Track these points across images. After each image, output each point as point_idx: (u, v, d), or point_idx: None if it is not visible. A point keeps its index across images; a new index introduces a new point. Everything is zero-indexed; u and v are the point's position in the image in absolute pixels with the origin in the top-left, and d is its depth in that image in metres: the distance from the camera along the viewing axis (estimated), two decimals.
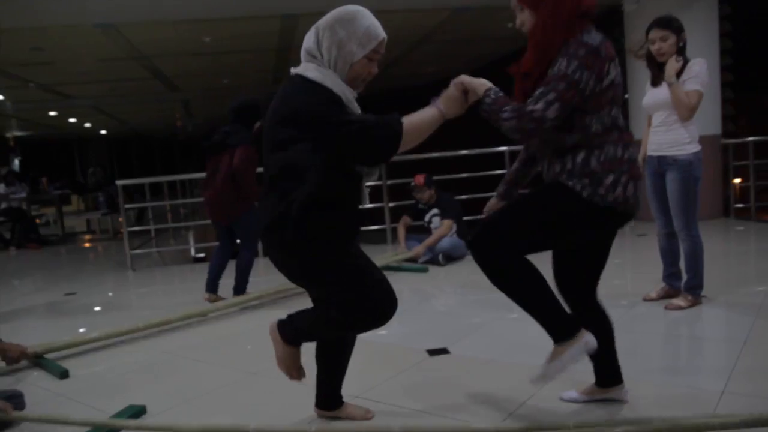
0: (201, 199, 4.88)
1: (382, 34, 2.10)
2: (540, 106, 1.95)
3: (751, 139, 7.53)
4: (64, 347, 3.70)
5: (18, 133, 21.79)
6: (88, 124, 20.22)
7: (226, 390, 2.98)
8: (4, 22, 7.08)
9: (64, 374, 3.35)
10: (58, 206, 10.89)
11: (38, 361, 3.53)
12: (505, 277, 2.08)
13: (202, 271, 4.84)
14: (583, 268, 2.32)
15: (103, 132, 23.88)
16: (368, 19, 2.08)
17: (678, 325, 3.56)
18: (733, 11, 7.97)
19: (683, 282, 3.84)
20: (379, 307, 2.11)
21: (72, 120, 18.41)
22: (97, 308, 5.20)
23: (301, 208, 1.99)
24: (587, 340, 2.07)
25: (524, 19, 2.11)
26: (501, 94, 2.07)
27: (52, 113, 16.09)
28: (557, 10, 2.01)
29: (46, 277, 6.97)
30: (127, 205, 7.19)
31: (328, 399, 2.49)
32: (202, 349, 3.72)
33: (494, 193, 2.58)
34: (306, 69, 2.07)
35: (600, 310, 2.36)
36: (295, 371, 2.27)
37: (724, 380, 2.62)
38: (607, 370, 2.42)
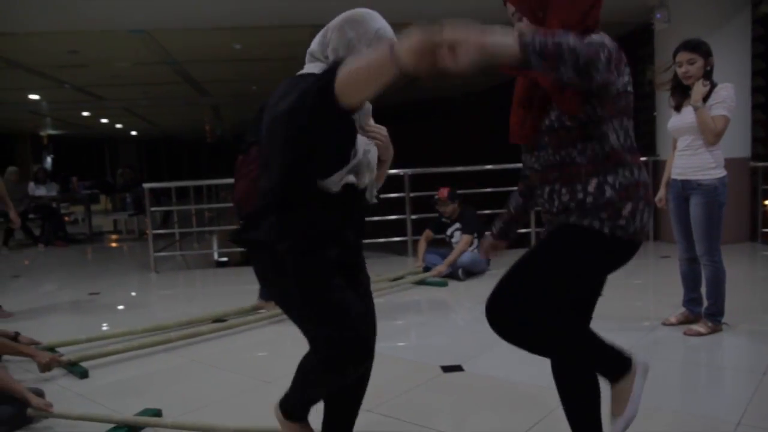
0: (226, 205, 4.94)
1: (392, 36, 1.91)
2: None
3: None
4: (94, 357, 3.72)
5: (51, 132, 22.25)
6: (119, 125, 20.60)
7: (241, 398, 3.02)
8: (43, 25, 7.29)
9: (83, 374, 3.43)
10: (87, 205, 11.09)
11: (67, 366, 3.59)
12: (547, 349, 1.89)
13: (225, 275, 4.91)
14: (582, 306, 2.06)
15: (134, 133, 24.29)
16: (379, 21, 1.94)
17: (696, 352, 3.51)
18: (765, 32, 7.87)
19: (704, 308, 3.80)
20: (358, 336, 1.86)
21: (104, 120, 18.77)
22: (120, 308, 5.29)
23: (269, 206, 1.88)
24: (643, 362, 1.89)
25: (524, 28, 1.80)
26: (537, 32, 1.63)
27: (85, 113, 16.42)
28: (567, 19, 1.74)
29: (71, 276, 7.10)
30: (152, 208, 7.30)
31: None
32: (221, 357, 3.77)
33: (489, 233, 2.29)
34: (312, 69, 1.89)
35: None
36: None
37: (741, 412, 2.58)
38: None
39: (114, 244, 10.37)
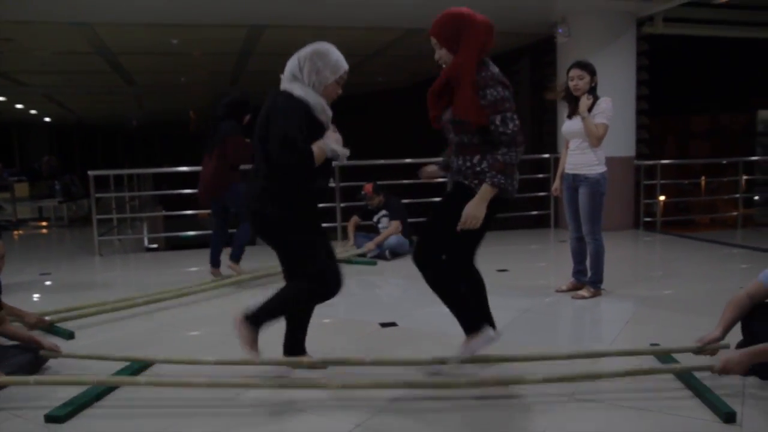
0: (154, 192, 5.52)
1: (346, 66, 2.91)
2: (510, 125, 2.71)
3: (661, 161, 8.64)
4: (72, 317, 4.24)
5: None
6: (33, 111, 20.09)
7: (211, 348, 3.65)
8: None
9: (70, 336, 3.94)
10: (13, 193, 11.12)
11: (50, 328, 4.06)
12: (439, 284, 2.94)
13: (162, 258, 5.40)
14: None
15: (47, 119, 23.62)
16: (337, 53, 2.88)
17: (581, 310, 4.44)
18: (649, 48, 9.05)
19: (588, 277, 4.72)
20: (333, 281, 2.87)
21: (19, 106, 18.31)
22: (78, 286, 5.72)
23: (272, 192, 2.80)
24: (490, 335, 2.96)
25: (442, 55, 2.87)
26: (493, 173, 2.75)
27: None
28: (470, 54, 2.76)
29: (19, 260, 7.34)
30: (97, 194, 7.64)
31: (294, 348, 3.13)
32: (185, 321, 4.36)
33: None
34: (293, 88, 2.81)
35: (477, 271, 3.14)
36: (255, 350, 2.85)
37: (610, 343, 3.51)
38: (485, 317, 3.14)
39: (45, 231, 10.50)
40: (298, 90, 2.80)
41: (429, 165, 3.33)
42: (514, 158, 2.73)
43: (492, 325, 3.11)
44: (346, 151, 2.92)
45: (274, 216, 2.80)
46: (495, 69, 2.79)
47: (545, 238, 8.09)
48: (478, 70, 2.75)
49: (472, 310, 2.99)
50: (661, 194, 8.87)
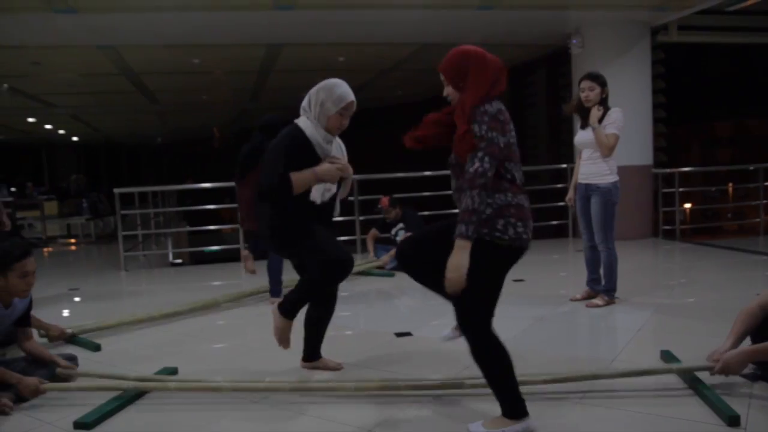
0: (178, 208, 5.56)
1: (351, 97, 3.06)
2: (476, 164, 2.40)
3: (679, 170, 8.64)
4: (95, 329, 4.41)
5: None
6: (62, 131, 20.61)
7: (236, 357, 3.77)
8: (12, 40, 7.75)
9: (96, 348, 4.09)
10: (42, 211, 11.43)
11: (73, 339, 4.24)
12: (481, 355, 2.52)
13: (186, 272, 5.55)
14: None
15: (75, 139, 24.17)
16: (342, 87, 3.06)
17: (594, 319, 4.48)
18: (665, 56, 9.08)
19: (602, 286, 4.77)
20: (341, 258, 3.04)
21: (48, 126, 18.81)
22: (104, 300, 5.90)
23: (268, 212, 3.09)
24: (530, 427, 2.49)
25: (450, 92, 2.61)
26: (459, 224, 2.40)
27: (30, 119, 16.52)
28: (475, 94, 2.48)
29: (48, 275, 7.57)
30: (123, 211, 7.86)
31: (311, 353, 3.44)
32: (210, 332, 4.50)
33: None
34: (299, 120, 3.11)
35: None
36: (285, 341, 3.15)
37: (617, 353, 3.56)
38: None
39: (74, 248, 10.77)
40: (302, 122, 3.09)
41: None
42: (471, 203, 2.38)
43: None
44: (332, 187, 3.18)
45: (276, 233, 3.12)
46: (495, 107, 2.48)
47: (563, 248, 8.12)
48: (477, 105, 2.48)
49: (516, 389, 2.53)
50: (687, 202, 8.84)
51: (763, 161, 9.15)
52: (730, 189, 12.55)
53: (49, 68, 9.72)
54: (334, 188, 3.20)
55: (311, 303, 3.35)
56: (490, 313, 2.52)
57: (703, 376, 2.95)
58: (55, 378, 3.34)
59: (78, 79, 10.88)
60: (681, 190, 8.61)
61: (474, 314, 2.50)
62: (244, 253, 5.29)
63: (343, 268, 3.07)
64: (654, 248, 7.89)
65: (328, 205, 3.23)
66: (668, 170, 8.74)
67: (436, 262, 2.51)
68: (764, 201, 9.11)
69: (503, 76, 2.57)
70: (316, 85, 3.09)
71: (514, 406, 2.51)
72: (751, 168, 9.77)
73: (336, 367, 3.44)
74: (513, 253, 2.50)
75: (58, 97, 13.02)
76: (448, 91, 2.63)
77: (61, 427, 2.82)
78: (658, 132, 9.12)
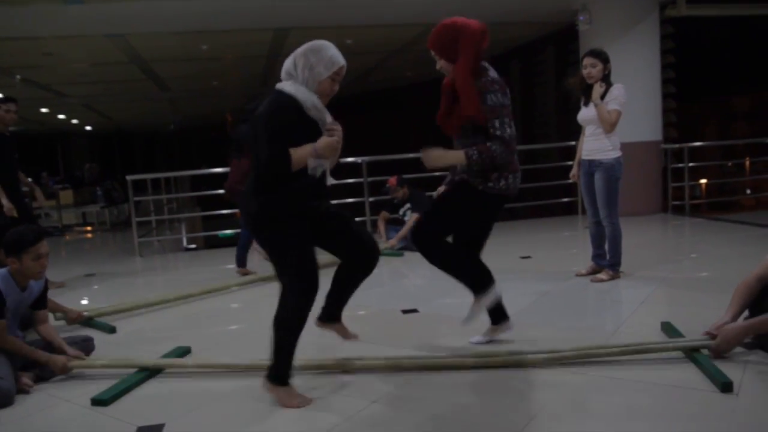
0: (191, 194, 5.73)
1: (342, 61, 2.74)
2: (507, 130, 2.92)
3: (688, 145, 8.60)
4: (111, 312, 4.55)
5: None
6: (75, 121, 20.83)
7: (250, 338, 3.88)
8: (24, 31, 7.87)
9: (112, 330, 4.22)
10: (58, 200, 11.62)
11: (89, 322, 4.37)
12: (437, 258, 3.14)
13: (200, 257, 5.69)
14: (476, 241, 3.32)
15: (89, 128, 24.42)
16: (332, 49, 2.74)
17: (599, 293, 4.54)
18: (674, 30, 9.01)
19: (606, 260, 4.81)
20: (314, 282, 2.73)
21: (61, 116, 19.03)
22: (119, 285, 6.04)
23: (257, 188, 2.72)
24: (495, 291, 3.14)
25: (443, 65, 3.05)
26: (475, 150, 2.94)
27: (44, 110, 16.72)
28: (467, 59, 2.92)
29: (66, 261, 7.74)
30: (136, 198, 7.99)
31: (330, 314, 3.06)
32: (224, 314, 4.62)
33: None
34: (284, 85, 2.72)
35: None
36: (301, 402, 2.78)
37: (620, 324, 3.64)
38: (498, 311, 3.35)
39: (89, 235, 10.95)
40: (289, 87, 2.71)
41: (441, 187, 3.47)
42: (503, 156, 2.90)
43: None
44: (323, 164, 2.77)
45: (255, 211, 2.74)
46: (494, 74, 2.96)
47: (572, 225, 8.15)
48: (478, 76, 2.91)
49: (475, 273, 3.17)
50: (702, 177, 8.75)
51: None
52: (747, 163, 12.43)
53: (60, 58, 9.84)
54: (327, 164, 2.82)
55: (344, 262, 2.97)
56: (445, 233, 3.19)
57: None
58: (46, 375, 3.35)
59: (89, 68, 11.01)
60: (691, 165, 8.58)
61: (432, 228, 3.12)
62: (237, 269, 5.85)
63: (313, 293, 2.75)
64: (663, 224, 7.90)
65: (321, 177, 2.85)
66: (677, 146, 8.71)
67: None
68: None
69: (486, 36, 2.96)
70: (300, 47, 2.76)
71: (480, 284, 3.12)
72: (767, 141, 9.64)
73: (352, 337, 3.15)
74: (500, 200, 3.05)
75: (70, 87, 13.17)
76: (440, 64, 2.95)
77: (80, 403, 2.94)
78: (668, 107, 9.08)
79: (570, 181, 5.23)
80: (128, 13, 7.44)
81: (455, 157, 3.01)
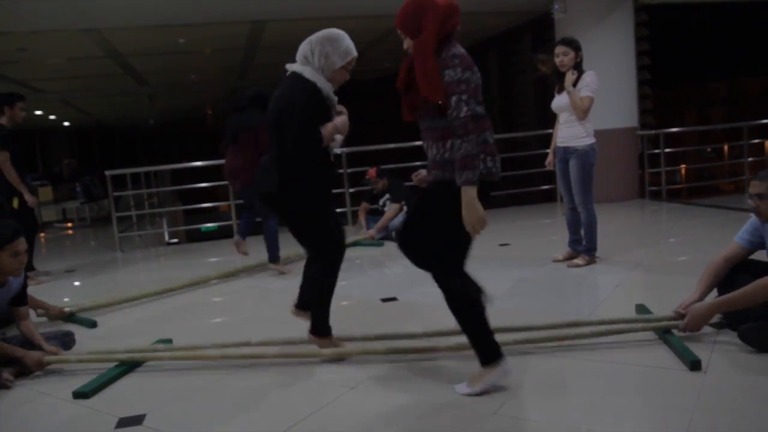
0: (172, 188, 5.72)
1: (355, 52, 3.04)
2: (463, 108, 2.46)
3: (664, 131, 8.71)
4: (92, 307, 4.55)
5: None
6: (53, 117, 20.57)
7: (231, 330, 3.91)
8: None
9: (93, 325, 4.23)
10: (37, 197, 11.49)
11: (70, 317, 4.37)
12: (457, 302, 2.65)
13: (182, 251, 5.69)
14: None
15: (66, 124, 24.13)
16: (347, 40, 3.02)
17: (575, 278, 4.62)
18: (648, 18, 9.10)
19: (582, 246, 4.89)
20: (340, 245, 3.17)
21: (38, 112, 18.78)
22: (100, 280, 6.03)
23: (282, 166, 2.99)
24: (507, 369, 2.64)
25: (409, 45, 2.68)
26: (459, 172, 2.48)
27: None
28: (428, 35, 2.55)
29: (44, 259, 7.69)
30: (115, 193, 7.95)
31: (306, 303, 3.28)
32: (205, 307, 4.64)
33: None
34: (303, 70, 2.97)
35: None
36: (335, 345, 3.18)
37: (594, 308, 3.71)
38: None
39: (70, 232, 10.88)
40: (308, 73, 2.95)
41: (420, 171, 3.04)
42: (471, 148, 2.46)
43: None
44: (340, 139, 3.08)
45: (287, 193, 3.01)
46: (459, 50, 2.58)
47: (551, 212, 8.24)
48: (439, 51, 2.58)
49: (489, 334, 2.66)
50: (681, 163, 8.86)
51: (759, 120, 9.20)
52: (726, 148, 12.62)
53: (35, 54, 9.72)
54: (340, 138, 3.11)
55: (310, 258, 3.22)
56: (464, 256, 2.64)
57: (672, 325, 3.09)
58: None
59: (65, 63, 10.89)
60: (667, 150, 8.71)
61: (448, 259, 2.63)
62: (235, 239, 5.79)
63: (342, 251, 3.18)
64: (640, 209, 8.02)
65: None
66: (653, 132, 8.83)
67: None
68: (749, 159, 9.22)
69: (457, 14, 2.63)
70: (317, 34, 3.00)
71: (490, 352, 2.64)
72: (742, 126, 9.68)
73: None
74: (483, 188, 2.53)
75: (46, 83, 13.02)
76: (407, 44, 2.68)
77: (62, 397, 2.97)
78: (644, 94, 9.18)
79: (548, 168, 5.29)
80: (102, 7, 7.38)
81: (468, 196, 2.50)
